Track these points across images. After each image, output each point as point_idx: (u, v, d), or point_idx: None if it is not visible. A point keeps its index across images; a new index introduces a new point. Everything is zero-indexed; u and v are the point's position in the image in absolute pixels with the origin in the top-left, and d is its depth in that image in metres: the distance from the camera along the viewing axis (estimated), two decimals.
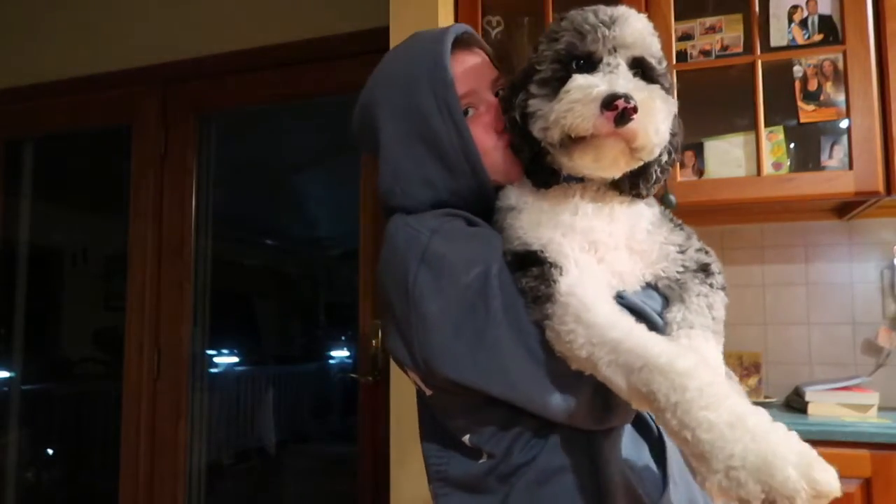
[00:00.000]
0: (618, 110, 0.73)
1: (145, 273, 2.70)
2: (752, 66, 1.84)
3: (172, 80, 2.74)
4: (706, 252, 0.90)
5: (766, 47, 1.86)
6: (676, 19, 1.88)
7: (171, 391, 2.64)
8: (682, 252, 0.88)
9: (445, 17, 1.97)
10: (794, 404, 1.91)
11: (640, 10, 0.84)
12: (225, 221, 2.97)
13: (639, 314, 0.82)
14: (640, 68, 0.81)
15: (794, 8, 1.85)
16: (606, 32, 0.80)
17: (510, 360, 0.79)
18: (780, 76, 1.85)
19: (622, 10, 0.82)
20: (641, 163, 0.82)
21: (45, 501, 3.40)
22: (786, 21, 1.86)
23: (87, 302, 3.77)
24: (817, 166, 1.84)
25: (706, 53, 1.91)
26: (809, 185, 1.78)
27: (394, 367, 1.85)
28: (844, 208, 1.98)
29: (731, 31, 1.91)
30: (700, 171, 1.90)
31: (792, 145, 1.87)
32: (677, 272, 0.86)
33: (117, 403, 2.71)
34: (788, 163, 1.85)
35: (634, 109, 0.74)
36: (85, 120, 2.92)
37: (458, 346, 0.81)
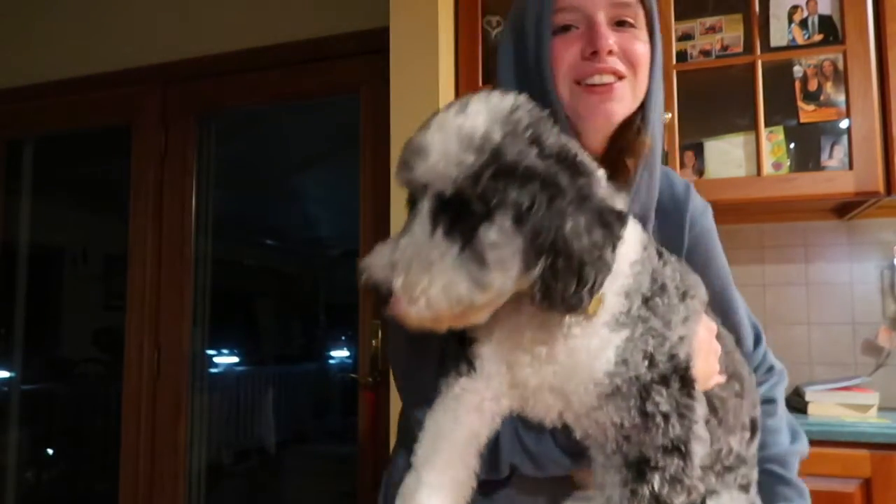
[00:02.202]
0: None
1: (145, 273, 2.70)
2: (752, 66, 1.84)
3: (172, 80, 2.74)
4: (677, 450, 0.67)
5: (766, 47, 1.86)
6: (676, 19, 1.89)
7: (171, 391, 2.64)
8: (626, 437, 0.67)
9: (445, 17, 1.97)
10: (794, 404, 1.91)
11: None
12: (225, 221, 2.97)
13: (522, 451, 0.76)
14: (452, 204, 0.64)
15: (794, 8, 1.85)
16: (407, 174, 0.66)
17: (407, 381, 0.86)
18: (780, 76, 1.86)
19: (436, 127, 0.65)
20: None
21: (45, 501, 3.40)
22: (786, 21, 1.86)
23: (87, 302, 3.77)
24: (817, 166, 1.84)
25: (706, 53, 1.91)
26: (809, 185, 1.78)
27: None
28: (844, 208, 1.97)
29: (731, 31, 1.91)
30: (700, 171, 1.90)
31: (792, 145, 1.87)
32: (608, 449, 0.69)
33: (117, 403, 2.71)
34: (788, 163, 1.85)
35: (388, 295, 0.63)
36: (85, 120, 2.92)
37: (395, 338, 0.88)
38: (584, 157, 0.67)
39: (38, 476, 3.37)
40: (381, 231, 2.32)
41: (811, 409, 1.77)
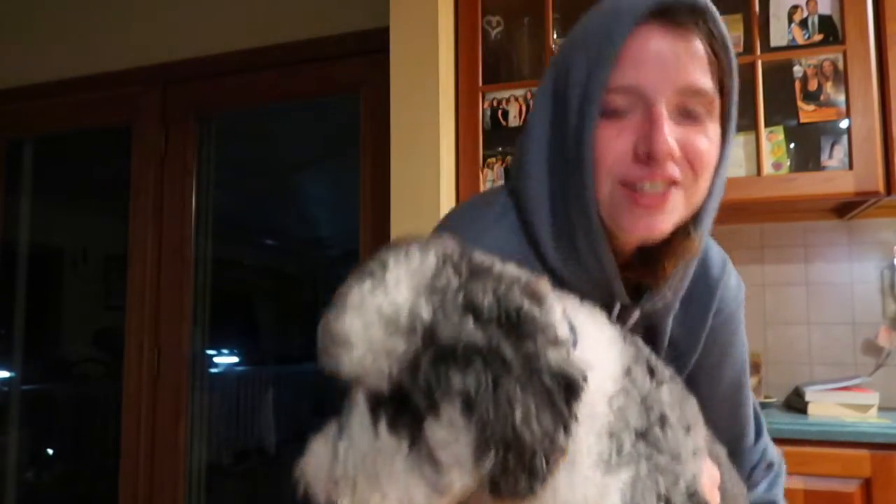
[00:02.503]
0: None
1: (145, 273, 2.70)
2: (752, 66, 1.84)
3: (172, 80, 2.74)
4: None
5: (766, 47, 1.86)
6: None
7: (171, 391, 2.64)
8: None
9: (445, 17, 1.96)
10: (794, 404, 1.91)
11: None
12: (225, 221, 2.97)
13: None
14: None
15: (794, 8, 1.85)
16: (331, 365, 0.56)
17: None
18: (780, 76, 1.85)
19: (354, 310, 0.54)
20: None
21: (45, 501, 3.40)
22: (786, 21, 1.86)
23: (87, 302, 3.77)
24: (817, 166, 1.84)
25: None
26: (809, 185, 1.78)
27: None
28: (844, 208, 1.97)
29: (731, 31, 1.90)
30: None
31: (792, 145, 1.87)
32: None
33: (117, 403, 2.71)
34: (788, 163, 1.85)
35: None
36: (85, 120, 2.92)
37: None
38: (529, 308, 0.55)
39: (38, 476, 3.37)
40: (380, 231, 2.32)
41: (811, 409, 1.77)
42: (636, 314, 0.76)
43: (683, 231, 0.73)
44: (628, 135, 0.68)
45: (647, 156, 0.67)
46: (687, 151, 0.68)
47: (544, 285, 0.59)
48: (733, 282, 0.87)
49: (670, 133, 0.67)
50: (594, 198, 0.69)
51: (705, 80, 0.69)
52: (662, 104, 0.67)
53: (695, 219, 0.73)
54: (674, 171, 0.68)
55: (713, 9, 0.70)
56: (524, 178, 0.75)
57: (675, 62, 0.68)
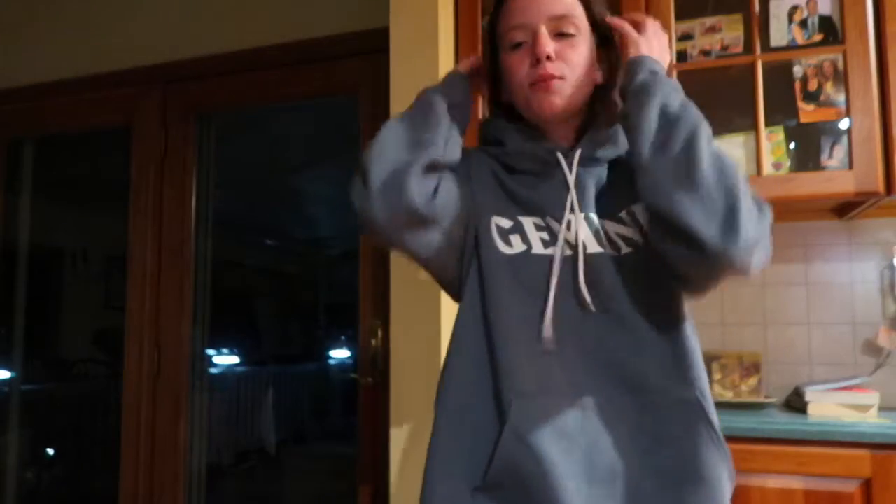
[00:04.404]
0: None
1: (145, 273, 2.70)
2: (752, 66, 1.84)
3: (172, 80, 2.74)
4: None
5: (766, 47, 1.86)
6: (676, 19, 1.88)
7: (171, 391, 2.64)
8: None
9: (445, 17, 1.97)
10: (794, 404, 1.91)
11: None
12: (225, 221, 2.97)
13: None
14: None
15: (794, 8, 1.85)
16: None
17: None
18: (780, 76, 1.86)
19: None
20: None
21: (45, 501, 3.40)
22: (786, 21, 1.86)
23: (87, 302, 3.77)
24: (817, 166, 1.84)
25: (706, 53, 1.91)
26: (809, 185, 1.78)
27: (394, 367, 1.84)
28: (844, 208, 1.98)
29: (731, 31, 1.91)
30: None
31: (792, 145, 1.87)
32: None
33: (117, 403, 2.71)
34: (788, 163, 1.85)
35: None
36: (85, 120, 2.92)
37: None
38: None
39: (38, 476, 3.37)
40: None
41: (811, 409, 1.77)
42: (578, 152, 1.04)
43: (602, 98, 1.08)
44: (526, 56, 1.03)
45: (535, 60, 1.01)
46: (563, 57, 1.02)
47: None
48: None
49: (547, 44, 1.00)
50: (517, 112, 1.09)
51: (569, 9, 1.02)
52: (541, 29, 1.01)
53: (604, 91, 1.08)
54: (554, 69, 1.01)
55: None
56: None
57: (544, 1, 1.03)
